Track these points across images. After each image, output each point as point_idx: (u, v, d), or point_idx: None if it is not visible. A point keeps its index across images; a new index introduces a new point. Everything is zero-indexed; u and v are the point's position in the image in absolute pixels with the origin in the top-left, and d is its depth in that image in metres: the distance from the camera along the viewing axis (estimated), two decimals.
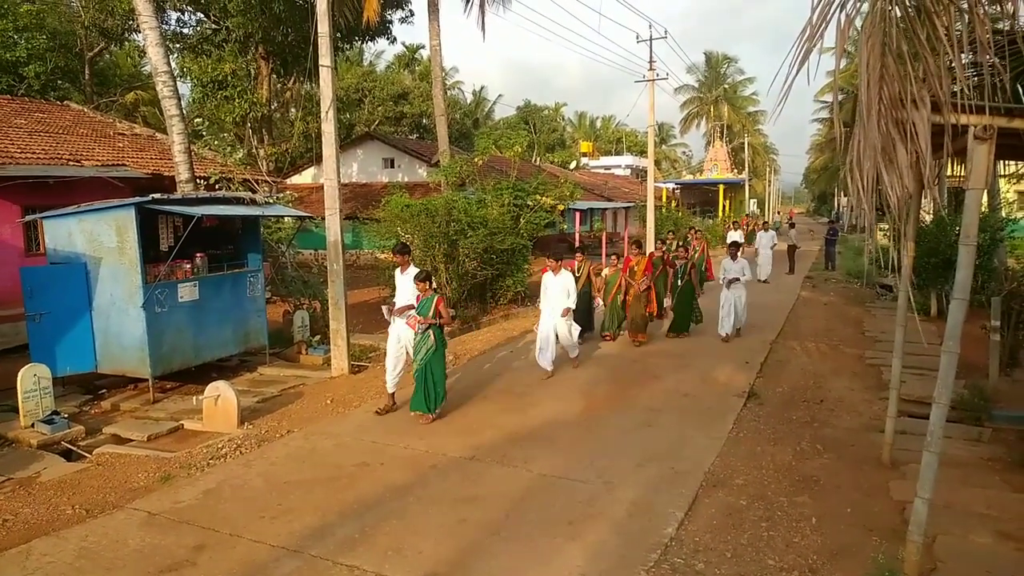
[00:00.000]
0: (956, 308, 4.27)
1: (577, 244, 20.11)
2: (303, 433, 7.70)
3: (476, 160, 19.04)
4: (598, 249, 26.39)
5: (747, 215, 60.90)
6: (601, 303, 12.10)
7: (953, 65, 4.13)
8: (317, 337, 11.59)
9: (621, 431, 7.61)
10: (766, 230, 22.42)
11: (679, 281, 12.77)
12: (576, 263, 11.75)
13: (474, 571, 4.76)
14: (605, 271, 12.16)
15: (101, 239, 8.90)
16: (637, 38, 23.69)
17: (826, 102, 46.17)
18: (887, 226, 15.30)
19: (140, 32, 14.27)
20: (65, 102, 20.48)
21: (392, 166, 28.13)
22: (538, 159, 44.96)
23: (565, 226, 27.06)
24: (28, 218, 10.70)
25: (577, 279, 10.99)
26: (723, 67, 63.82)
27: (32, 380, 7.68)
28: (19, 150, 12.98)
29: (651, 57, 23.36)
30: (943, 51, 3.97)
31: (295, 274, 13.80)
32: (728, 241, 22.52)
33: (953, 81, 4.15)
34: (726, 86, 63.37)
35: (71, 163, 13.24)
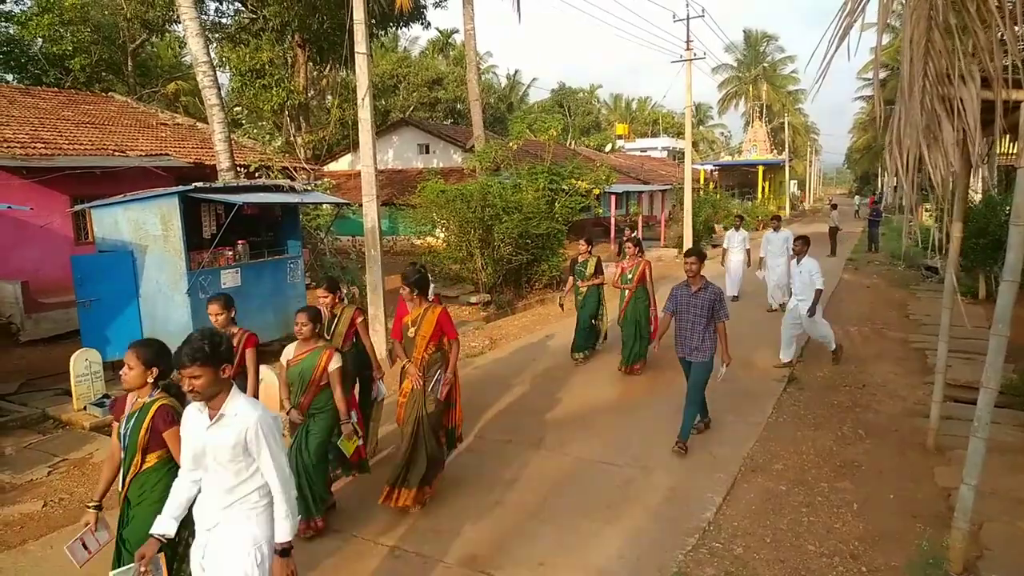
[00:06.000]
0: (1006, 290, 4.15)
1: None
2: None
3: (511, 144, 19.00)
4: (633, 232, 26.12)
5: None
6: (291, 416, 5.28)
7: (1004, 38, 3.98)
8: None
9: (658, 416, 7.58)
10: (776, 229, 13.27)
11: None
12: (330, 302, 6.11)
13: (512, 553, 4.81)
14: (289, 352, 5.28)
15: (146, 227, 9.12)
16: (674, 17, 23.31)
17: (870, 79, 44.88)
18: (933, 206, 14.88)
19: (180, 23, 14.52)
20: (109, 94, 20.99)
21: (427, 152, 28.22)
22: (573, 142, 44.73)
23: (600, 210, 26.85)
24: (77, 208, 11.02)
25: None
26: (762, 45, 62.42)
27: (84, 364, 7.94)
28: (67, 141, 13.36)
29: (688, 36, 22.96)
30: (994, 23, 3.83)
31: (333, 260, 14.00)
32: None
33: (1004, 55, 4.00)
34: (765, 65, 61.95)
35: (116, 153, 13.58)
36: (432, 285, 5.93)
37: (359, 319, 6.25)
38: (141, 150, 14.35)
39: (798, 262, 9.17)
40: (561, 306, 10.83)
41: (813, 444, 6.67)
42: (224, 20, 25.17)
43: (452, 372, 5.64)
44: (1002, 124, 4.03)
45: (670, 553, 4.75)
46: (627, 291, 9.21)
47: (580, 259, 9.92)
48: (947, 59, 3.89)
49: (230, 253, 9.91)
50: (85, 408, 7.79)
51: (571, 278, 9.99)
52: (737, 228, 14.63)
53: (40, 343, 10.87)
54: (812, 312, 9.03)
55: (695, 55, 22.89)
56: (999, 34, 3.94)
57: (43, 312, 11.30)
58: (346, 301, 6.52)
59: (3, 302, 11.31)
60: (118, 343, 9.16)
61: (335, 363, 5.11)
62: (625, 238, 13.47)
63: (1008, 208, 12.98)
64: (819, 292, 9.04)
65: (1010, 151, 8.26)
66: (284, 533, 3.11)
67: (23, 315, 11.15)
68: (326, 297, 6.10)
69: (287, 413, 5.24)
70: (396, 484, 5.36)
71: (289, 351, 5.28)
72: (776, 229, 13.26)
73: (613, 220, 25.02)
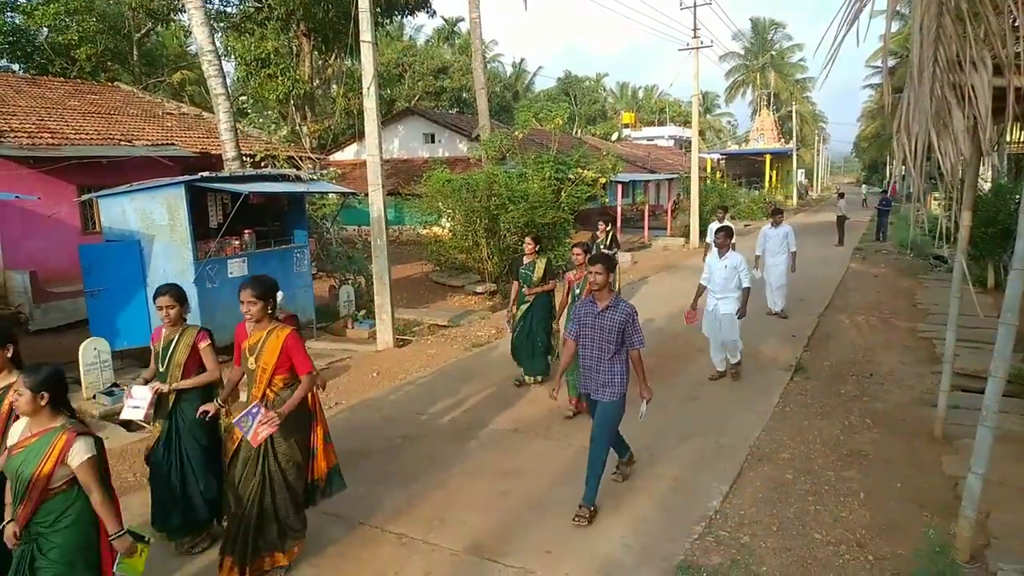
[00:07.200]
0: (1015, 279, 4.12)
1: None
2: (350, 405, 7.86)
3: (516, 134, 18.95)
4: (640, 221, 26.04)
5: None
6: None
7: (1016, 24, 3.94)
8: (362, 312, 11.78)
9: (664, 405, 7.54)
10: (776, 224, 11.69)
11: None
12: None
13: (517, 542, 4.82)
14: (15, 434, 3.36)
15: (153, 217, 9.15)
16: (681, 4, 23.15)
17: (878, 67, 44.52)
18: (941, 194, 14.79)
19: (185, 12, 14.49)
20: (115, 83, 21.01)
21: (433, 141, 28.15)
22: (579, 131, 44.59)
23: (607, 199, 26.79)
24: (84, 197, 11.05)
25: None
26: (770, 33, 62.01)
27: (92, 354, 7.98)
28: (74, 131, 13.39)
29: (695, 24, 22.81)
30: (1007, 9, 3.79)
31: (340, 250, 14.00)
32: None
33: (1017, 41, 3.96)
34: (773, 53, 61.60)
35: (122, 143, 13.61)
36: (280, 294, 4.53)
37: (203, 344, 4.68)
38: (147, 140, 14.37)
39: (720, 256, 8.08)
40: (509, 323, 8.26)
41: (820, 433, 6.66)
42: (229, 9, 25.07)
43: (287, 409, 4.16)
44: (1014, 111, 4.00)
45: (676, 542, 4.76)
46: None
47: (526, 260, 8.03)
48: (958, 45, 3.85)
49: (237, 243, 9.94)
50: (94, 397, 7.84)
51: (515, 284, 8.14)
52: (721, 220, 12.46)
53: (49, 332, 10.94)
54: (742, 314, 8.03)
55: (702, 43, 22.76)
56: (1012, 20, 3.89)
57: (52, 301, 11.36)
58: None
59: (12, 292, 11.37)
60: (126, 332, 9.22)
61: (78, 454, 3.18)
62: (598, 231, 10.87)
63: (1018, 196, 12.91)
64: (747, 292, 8.01)
65: (1021, 139, 8.17)
66: None
67: (32, 305, 11.21)
68: (172, 307, 4.60)
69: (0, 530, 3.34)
70: (232, 552, 4.21)
71: (15, 432, 3.33)
72: (776, 224, 11.66)
73: (620, 209, 24.95)
